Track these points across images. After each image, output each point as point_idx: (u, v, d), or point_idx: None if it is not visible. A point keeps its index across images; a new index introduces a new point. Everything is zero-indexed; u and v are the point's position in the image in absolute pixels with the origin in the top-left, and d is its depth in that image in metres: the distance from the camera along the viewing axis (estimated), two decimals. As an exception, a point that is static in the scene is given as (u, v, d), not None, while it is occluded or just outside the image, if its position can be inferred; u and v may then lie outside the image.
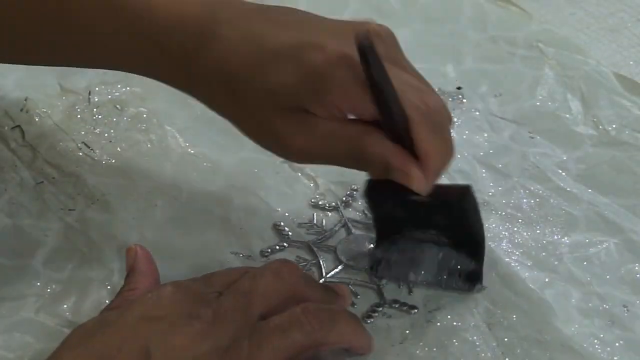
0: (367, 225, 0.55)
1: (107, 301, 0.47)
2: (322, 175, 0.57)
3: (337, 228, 0.54)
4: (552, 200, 0.56)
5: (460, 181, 0.57)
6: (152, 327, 0.40)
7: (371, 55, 0.40)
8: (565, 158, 0.59)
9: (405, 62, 0.46)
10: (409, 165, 0.44)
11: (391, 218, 0.49)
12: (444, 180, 0.57)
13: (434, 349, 0.47)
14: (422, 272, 0.50)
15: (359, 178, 0.57)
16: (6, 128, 0.60)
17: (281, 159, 0.58)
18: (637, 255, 0.53)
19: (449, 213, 0.48)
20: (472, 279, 0.50)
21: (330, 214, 0.55)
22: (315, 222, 0.55)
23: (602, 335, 0.48)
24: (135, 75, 0.64)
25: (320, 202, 0.56)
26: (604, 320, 0.49)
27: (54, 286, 0.50)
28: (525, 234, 0.54)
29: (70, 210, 0.55)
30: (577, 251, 0.53)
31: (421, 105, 0.43)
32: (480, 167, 0.58)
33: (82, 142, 0.59)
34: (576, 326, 0.49)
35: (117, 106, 0.62)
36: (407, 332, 0.48)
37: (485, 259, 0.52)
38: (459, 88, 0.65)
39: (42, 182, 0.56)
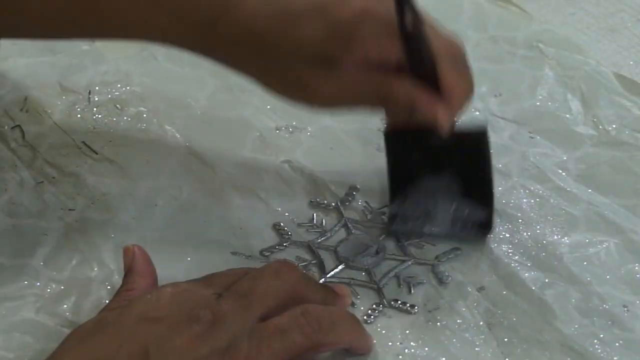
0: (367, 225, 0.55)
1: (106, 301, 0.46)
2: (322, 175, 0.57)
3: (337, 228, 0.54)
4: (552, 200, 0.56)
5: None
6: (151, 328, 0.40)
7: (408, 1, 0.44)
8: (565, 158, 0.59)
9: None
10: (435, 102, 0.46)
11: (407, 164, 0.52)
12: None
13: (434, 349, 0.47)
14: (437, 225, 0.52)
15: (359, 178, 0.57)
16: (6, 128, 0.60)
17: (282, 159, 0.58)
18: (637, 255, 0.53)
19: (464, 155, 0.50)
20: (483, 227, 0.52)
21: (330, 214, 0.55)
22: (315, 222, 0.55)
23: (601, 335, 0.48)
24: (136, 75, 0.64)
25: (320, 202, 0.56)
26: (604, 320, 0.49)
27: (54, 286, 0.50)
28: (525, 234, 0.54)
29: (70, 210, 0.55)
30: (577, 251, 0.53)
31: (446, 46, 0.47)
32: (480, 167, 0.58)
33: (82, 142, 0.59)
34: (576, 326, 0.49)
35: (117, 106, 0.62)
36: (407, 332, 0.48)
37: (486, 259, 0.52)
38: (459, 88, 0.65)
39: (42, 182, 0.56)
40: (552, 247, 0.53)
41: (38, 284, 0.50)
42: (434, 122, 0.47)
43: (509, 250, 0.53)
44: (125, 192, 0.56)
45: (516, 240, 0.54)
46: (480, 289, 0.50)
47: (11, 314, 0.48)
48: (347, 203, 0.56)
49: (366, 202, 0.56)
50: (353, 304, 0.50)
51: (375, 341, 0.47)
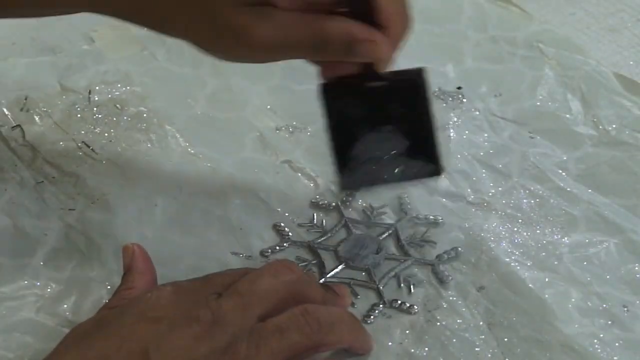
0: (368, 225, 0.55)
1: (106, 301, 0.46)
2: (322, 175, 0.57)
3: (337, 228, 0.54)
4: (552, 200, 0.56)
5: (460, 182, 0.57)
6: (151, 328, 0.40)
7: None
8: (565, 158, 0.59)
9: None
10: (373, 34, 0.44)
11: (348, 120, 0.50)
12: (444, 179, 0.57)
13: (434, 349, 0.47)
14: (388, 171, 0.51)
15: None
16: (6, 127, 0.60)
17: (282, 159, 0.58)
18: (637, 255, 0.53)
19: (404, 97, 0.49)
20: (433, 163, 0.51)
21: (330, 214, 0.55)
22: (315, 222, 0.55)
23: (602, 335, 0.48)
24: (136, 75, 0.64)
25: (320, 202, 0.56)
26: (603, 320, 0.49)
27: (54, 286, 0.50)
28: (525, 234, 0.54)
29: (70, 210, 0.54)
30: (577, 251, 0.53)
31: None
32: (480, 167, 0.58)
33: (82, 142, 0.59)
34: (576, 326, 0.49)
35: (117, 105, 0.62)
36: (407, 332, 0.48)
37: (486, 258, 0.52)
38: (459, 88, 0.65)
39: (42, 181, 0.56)
40: (552, 247, 0.53)
41: (38, 283, 0.50)
42: (374, 56, 0.45)
43: (509, 250, 0.53)
44: (125, 192, 0.56)
45: (516, 240, 0.54)
46: (480, 289, 0.51)
47: (11, 313, 0.48)
48: (347, 203, 0.56)
49: (366, 202, 0.56)
50: (353, 304, 0.50)
51: (375, 341, 0.47)
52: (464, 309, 0.49)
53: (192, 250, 0.52)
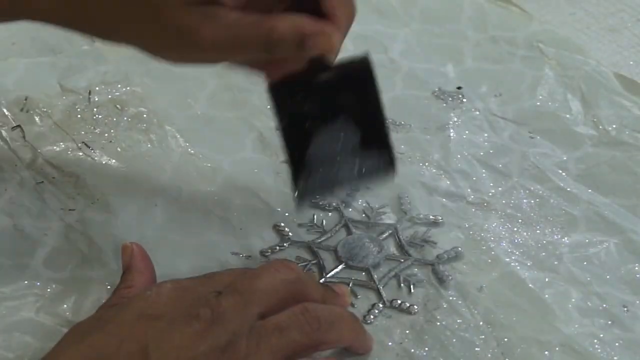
0: (368, 225, 0.55)
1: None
2: (322, 175, 0.57)
3: (337, 228, 0.54)
4: (552, 200, 0.56)
5: (460, 181, 0.57)
6: (151, 325, 0.40)
7: None
8: (565, 158, 0.59)
9: None
10: (323, 26, 0.43)
11: (300, 118, 0.48)
12: (444, 179, 0.57)
13: (434, 349, 0.47)
14: (344, 171, 0.49)
15: (359, 178, 0.57)
16: (6, 128, 0.60)
17: (282, 159, 0.58)
18: (637, 255, 0.53)
19: (353, 85, 0.48)
20: (386, 158, 0.50)
21: (330, 214, 0.55)
22: (315, 222, 0.55)
23: (601, 335, 0.48)
24: (136, 75, 0.64)
25: (320, 202, 0.56)
26: (603, 320, 0.49)
27: (54, 286, 0.50)
28: (525, 234, 0.54)
29: (70, 210, 0.55)
30: (577, 251, 0.53)
31: None
32: (480, 167, 0.58)
33: (82, 142, 0.59)
34: (576, 326, 0.49)
35: (117, 106, 0.62)
36: (407, 332, 0.48)
37: (486, 258, 0.52)
38: (459, 88, 0.65)
39: (42, 182, 0.56)
40: (552, 247, 0.53)
41: (38, 283, 0.50)
42: (326, 48, 0.43)
43: (509, 250, 0.53)
44: (125, 192, 0.56)
45: (516, 240, 0.54)
46: (480, 289, 0.50)
47: (11, 313, 0.48)
48: (347, 203, 0.56)
49: (366, 202, 0.56)
50: (353, 304, 0.50)
51: (375, 341, 0.47)
52: (464, 309, 0.49)
53: (192, 250, 0.52)
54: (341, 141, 0.49)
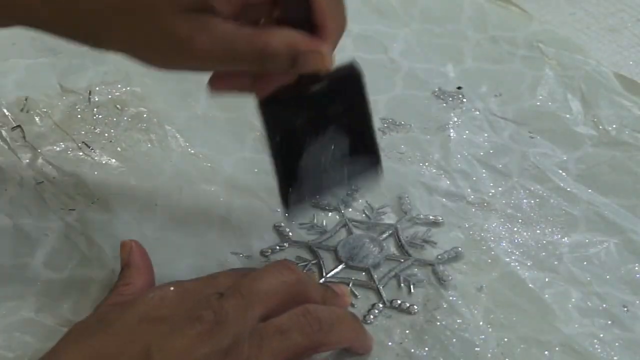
0: (368, 225, 0.55)
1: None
2: (322, 175, 0.57)
3: (337, 228, 0.54)
4: (552, 200, 0.56)
5: (460, 181, 0.57)
6: (154, 328, 0.40)
7: None
8: (565, 158, 0.59)
9: None
10: (317, 43, 0.43)
11: (289, 131, 0.48)
12: (444, 179, 0.57)
13: (434, 349, 0.47)
14: (332, 182, 0.50)
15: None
16: (6, 128, 0.60)
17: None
18: (637, 255, 0.53)
19: (342, 94, 0.48)
20: (373, 164, 0.50)
21: (330, 214, 0.55)
22: (315, 222, 0.55)
23: (601, 335, 0.48)
24: (136, 75, 0.64)
25: (320, 202, 0.56)
26: (603, 320, 0.49)
27: (54, 286, 0.50)
28: (525, 234, 0.54)
29: (70, 210, 0.55)
30: (577, 251, 0.53)
31: None
32: (480, 167, 0.58)
33: (83, 142, 0.59)
34: (576, 326, 0.49)
35: (117, 106, 0.62)
36: (407, 332, 0.48)
37: (486, 258, 0.52)
38: (459, 88, 0.65)
39: (43, 182, 0.56)
40: (552, 247, 0.53)
41: (38, 283, 0.50)
42: (319, 66, 0.43)
43: (509, 250, 0.53)
44: (125, 192, 0.56)
45: (516, 240, 0.54)
46: (480, 289, 0.51)
47: (11, 313, 0.48)
48: (347, 203, 0.56)
49: (366, 202, 0.56)
50: (353, 305, 0.50)
51: (375, 341, 0.47)
52: (464, 309, 0.49)
53: (192, 250, 0.52)
54: (330, 150, 0.49)
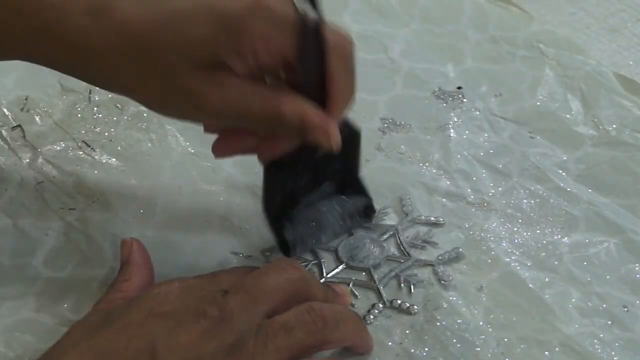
0: (369, 225, 0.55)
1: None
2: (322, 175, 0.57)
3: (337, 228, 0.54)
4: (552, 200, 0.56)
5: (460, 182, 0.57)
6: (159, 324, 0.40)
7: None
8: (565, 158, 0.59)
9: None
10: (327, 120, 0.44)
11: (289, 189, 0.51)
12: (444, 179, 0.57)
13: (434, 349, 0.47)
14: (330, 230, 0.53)
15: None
16: (6, 128, 0.60)
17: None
18: (637, 255, 0.53)
19: (340, 158, 0.49)
20: (368, 211, 0.54)
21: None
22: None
23: (601, 335, 0.48)
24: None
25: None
26: (603, 320, 0.49)
27: (54, 285, 0.50)
28: (525, 234, 0.54)
29: (70, 209, 0.55)
30: (577, 251, 0.53)
31: (338, 44, 0.43)
32: (480, 167, 0.58)
33: (83, 141, 0.59)
34: (576, 326, 0.49)
35: (118, 105, 0.62)
36: (407, 332, 0.48)
37: (486, 258, 0.52)
38: (459, 88, 0.65)
39: (43, 181, 0.56)
40: (552, 247, 0.53)
41: (38, 283, 0.50)
42: (325, 142, 0.44)
43: (509, 250, 0.53)
44: (125, 191, 0.56)
45: (516, 240, 0.54)
46: (480, 289, 0.51)
47: (12, 313, 0.48)
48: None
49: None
50: (353, 305, 0.50)
51: (375, 341, 0.47)
52: (464, 309, 0.49)
53: (192, 250, 0.52)
54: (326, 208, 0.53)
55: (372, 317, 0.49)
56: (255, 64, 0.43)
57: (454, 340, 0.48)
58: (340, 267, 0.52)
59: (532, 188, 0.57)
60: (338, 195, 0.53)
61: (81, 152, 0.58)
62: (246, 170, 0.58)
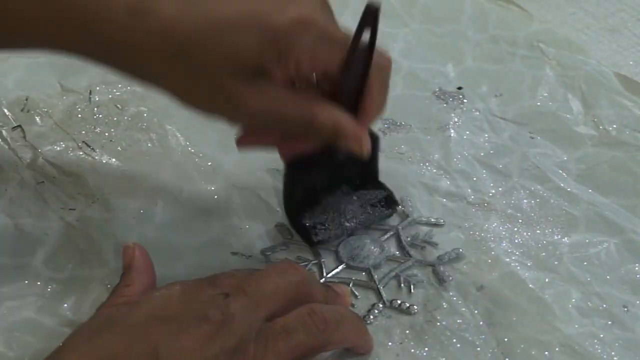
0: (370, 226, 0.55)
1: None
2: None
3: (337, 228, 0.54)
4: (552, 201, 0.56)
5: (461, 182, 0.57)
6: (161, 327, 0.40)
7: (375, 15, 0.45)
8: (565, 158, 0.59)
9: None
10: (360, 130, 0.46)
11: (311, 186, 0.53)
12: (444, 179, 0.57)
13: (434, 349, 0.47)
14: (353, 217, 0.53)
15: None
16: (7, 128, 0.60)
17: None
18: (637, 255, 0.53)
19: (361, 163, 0.51)
20: (389, 202, 0.54)
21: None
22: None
23: (601, 335, 0.48)
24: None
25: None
26: (603, 320, 0.49)
27: (54, 285, 0.50)
28: (525, 234, 0.54)
29: (70, 209, 0.55)
30: (577, 251, 0.53)
31: (379, 63, 0.46)
32: (481, 167, 0.58)
33: (83, 142, 0.59)
34: (576, 326, 0.49)
35: (118, 105, 0.62)
36: (407, 332, 0.48)
37: (486, 258, 0.52)
38: (459, 88, 0.65)
39: (43, 181, 0.56)
40: (552, 247, 0.53)
41: (38, 283, 0.50)
42: (356, 149, 0.47)
43: (509, 250, 0.53)
44: (125, 191, 0.56)
45: (516, 241, 0.54)
46: (480, 289, 0.51)
47: (12, 313, 0.48)
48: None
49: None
50: (353, 305, 0.50)
51: (375, 341, 0.47)
52: (464, 309, 0.49)
53: (192, 250, 0.52)
54: (347, 198, 0.54)
55: (372, 317, 0.49)
56: (295, 74, 0.44)
57: (454, 340, 0.48)
58: (341, 267, 0.52)
59: (532, 188, 0.57)
60: (359, 192, 0.54)
61: (81, 153, 0.58)
62: (246, 171, 0.58)
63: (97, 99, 0.62)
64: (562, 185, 0.57)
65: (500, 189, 0.57)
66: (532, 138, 0.61)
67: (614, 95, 0.63)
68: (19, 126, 0.60)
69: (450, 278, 0.51)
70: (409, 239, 0.54)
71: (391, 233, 0.54)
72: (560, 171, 0.58)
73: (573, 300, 0.50)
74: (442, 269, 0.51)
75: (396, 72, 0.66)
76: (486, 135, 0.61)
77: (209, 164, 0.58)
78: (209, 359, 0.40)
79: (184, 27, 0.42)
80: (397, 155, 0.59)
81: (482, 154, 0.59)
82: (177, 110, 0.62)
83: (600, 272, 0.52)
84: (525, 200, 0.56)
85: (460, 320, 0.49)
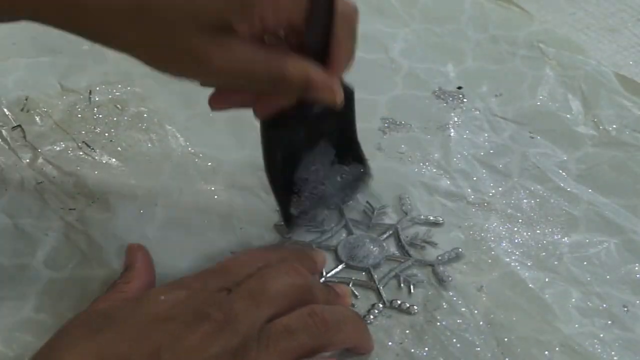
0: (369, 225, 0.55)
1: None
2: (322, 175, 0.57)
3: (337, 228, 0.54)
4: (552, 201, 0.56)
5: (461, 182, 0.57)
6: (163, 327, 0.40)
7: None
8: (565, 158, 0.59)
9: None
10: (330, 80, 0.46)
11: (287, 148, 0.51)
12: (444, 179, 0.57)
13: (434, 349, 0.47)
14: (332, 202, 0.54)
15: (359, 178, 0.57)
16: (7, 128, 0.60)
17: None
18: (637, 255, 0.53)
19: (335, 116, 0.50)
20: (364, 177, 0.55)
21: (330, 214, 0.55)
22: (315, 222, 0.55)
23: (601, 335, 0.48)
24: (136, 75, 0.64)
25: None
26: (603, 320, 0.49)
27: (54, 285, 0.50)
28: (525, 234, 0.54)
29: (70, 209, 0.55)
30: (577, 251, 0.53)
31: (345, 12, 0.45)
32: (481, 167, 0.58)
33: (83, 142, 0.59)
34: (576, 326, 0.49)
35: (118, 106, 0.62)
36: (407, 332, 0.48)
37: (486, 258, 0.52)
38: (459, 88, 0.65)
39: (43, 181, 0.56)
40: (552, 247, 0.53)
41: (38, 283, 0.50)
42: (328, 100, 0.46)
43: (509, 250, 0.53)
44: (125, 191, 0.56)
45: (516, 240, 0.54)
46: (480, 289, 0.51)
47: (12, 313, 0.48)
48: (348, 203, 0.56)
49: (367, 202, 0.56)
50: (353, 305, 0.50)
51: (375, 341, 0.47)
52: (464, 309, 0.49)
53: (192, 250, 0.52)
54: (323, 162, 0.53)
55: (372, 317, 0.49)
56: (260, 27, 0.43)
57: (454, 340, 0.48)
58: (340, 267, 0.52)
59: (532, 188, 0.57)
60: (339, 166, 0.54)
61: (81, 153, 0.58)
62: (246, 170, 0.58)
63: (97, 99, 0.62)
64: (562, 185, 0.57)
65: (500, 188, 0.57)
66: (532, 138, 0.61)
67: (613, 95, 0.63)
68: (19, 126, 0.60)
69: (450, 278, 0.51)
70: (408, 238, 0.54)
71: (390, 232, 0.54)
72: (560, 171, 0.58)
73: (573, 300, 0.50)
74: (441, 268, 0.51)
75: (396, 72, 0.66)
76: (486, 135, 0.61)
77: (209, 164, 0.58)
78: (211, 358, 0.40)
79: None
80: (397, 155, 0.59)
81: (482, 153, 0.59)
82: (177, 110, 0.62)
83: (600, 272, 0.52)
84: (525, 200, 0.56)
85: (460, 320, 0.49)
